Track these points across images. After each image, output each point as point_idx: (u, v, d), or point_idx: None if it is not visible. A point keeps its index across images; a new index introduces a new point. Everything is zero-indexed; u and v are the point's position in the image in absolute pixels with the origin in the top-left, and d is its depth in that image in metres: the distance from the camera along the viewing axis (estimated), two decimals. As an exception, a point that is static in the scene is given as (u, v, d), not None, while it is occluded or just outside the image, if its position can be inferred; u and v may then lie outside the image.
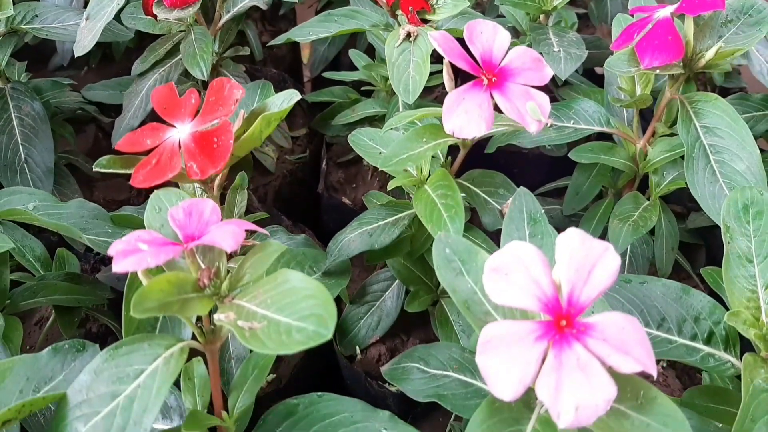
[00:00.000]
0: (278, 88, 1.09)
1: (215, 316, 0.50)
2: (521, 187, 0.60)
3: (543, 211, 0.59)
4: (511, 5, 0.98)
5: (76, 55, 0.75)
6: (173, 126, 0.63)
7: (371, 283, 0.79)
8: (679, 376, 0.85)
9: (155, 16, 0.76)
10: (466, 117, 0.58)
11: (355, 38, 1.14)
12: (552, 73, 0.62)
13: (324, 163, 0.98)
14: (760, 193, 0.59)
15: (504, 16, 1.03)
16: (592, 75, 1.15)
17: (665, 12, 0.71)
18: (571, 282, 0.48)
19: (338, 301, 0.77)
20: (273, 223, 0.84)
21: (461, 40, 0.89)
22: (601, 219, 0.82)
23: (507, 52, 0.62)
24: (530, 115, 0.58)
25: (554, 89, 1.02)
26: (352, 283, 0.78)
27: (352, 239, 0.68)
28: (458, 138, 0.59)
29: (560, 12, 1.02)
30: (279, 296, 0.49)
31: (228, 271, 0.55)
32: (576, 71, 0.98)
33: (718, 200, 0.66)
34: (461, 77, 0.63)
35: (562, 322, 0.47)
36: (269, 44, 0.86)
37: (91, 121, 0.99)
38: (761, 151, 0.92)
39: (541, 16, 0.99)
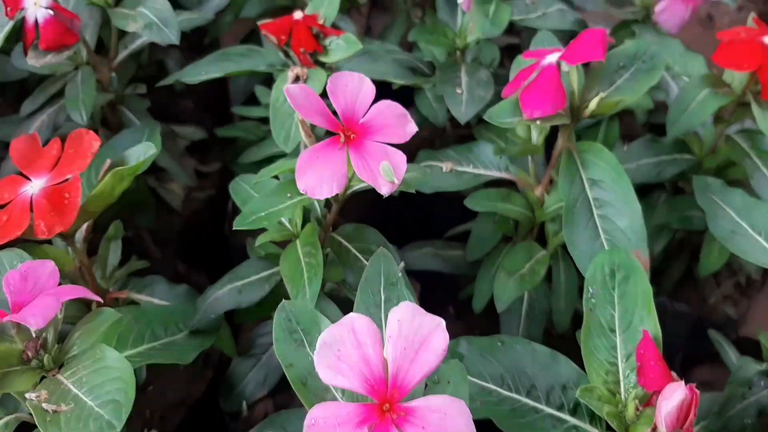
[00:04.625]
0: (190, 123, 1.07)
1: (26, 395, 0.48)
2: (380, 248, 0.57)
3: (401, 274, 0.56)
4: (424, 41, 0.96)
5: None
6: (30, 180, 0.61)
7: (258, 335, 0.76)
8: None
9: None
10: (318, 178, 0.55)
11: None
12: (414, 130, 0.59)
13: (230, 201, 0.96)
14: (628, 257, 0.57)
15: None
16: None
17: (550, 59, 0.69)
18: (397, 362, 0.46)
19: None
20: (166, 269, 0.81)
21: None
22: (500, 266, 0.79)
23: (370, 107, 0.60)
24: (383, 177, 0.55)
25: (473, 125, 1.00)
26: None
27: (219, 296, 0.65)
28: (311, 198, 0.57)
29: (481, 46, 1.00)
30: (94, 374, 0.47)
31: (58, 342, 0.53)
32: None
33: (596, 259, 0.64)
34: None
35: (385, 406, 0.45)
36: (159, 84, 0.83)
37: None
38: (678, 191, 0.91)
39: (457, 52, 0.97)
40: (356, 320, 0.46)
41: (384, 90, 0.84)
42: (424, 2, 1.27)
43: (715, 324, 0.89)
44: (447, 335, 0.46)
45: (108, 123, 0.90)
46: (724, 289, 0.92)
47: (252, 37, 1.17)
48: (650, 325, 0.55)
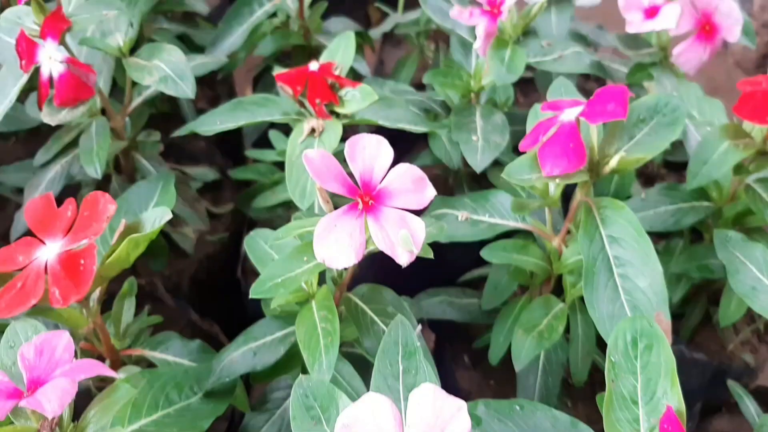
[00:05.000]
0: (203, 162, 1.07)
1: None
2: (398, 316, 0.57)
3: (419, 343, 0.56)
4: (438, 84, 0.96)
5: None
6: (44, 243, 0.61)
7: (272, 389, 0.75)
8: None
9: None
10: (336, 247, 0.55)
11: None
12: (433, 194, 0.59)
13: (244, 245, 0.95)
14: (650, 325, 0.56)
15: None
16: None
17: (569, 116, 0.68)
18: (419, 448, 0.45)
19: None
20: (179, 319, 0.81)
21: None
22: (517, 317, 0.79)
23: (388, 171, 0.59)
24: (401, 246, 0.55)
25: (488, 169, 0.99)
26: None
27: (234, 358, 0.65)
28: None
29: (495, 86, 1.00)
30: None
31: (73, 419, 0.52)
32: (511, 149, 0.95)
33: (617, 322, 0.63)
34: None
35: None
36: (174, 135, 0.83)
37: (6, 203, 0.97)
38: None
39: (472, 94, 0.97)
40: (376, 402, 0.46)
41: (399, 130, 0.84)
42: (438, 37, 1.27)
43: (733, 372, 0.87)
44: (468, 419, 0.45)
45: (121, 168, 0.90)
46: (742, 335, 0.90)
47: (266, 73, 1.17)
48: (674, 398, 0.54)
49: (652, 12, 0.94)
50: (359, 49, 1.22)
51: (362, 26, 1.25)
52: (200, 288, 0.93)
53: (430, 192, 0.59)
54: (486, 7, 0.89)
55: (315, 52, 1.11)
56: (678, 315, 0.91)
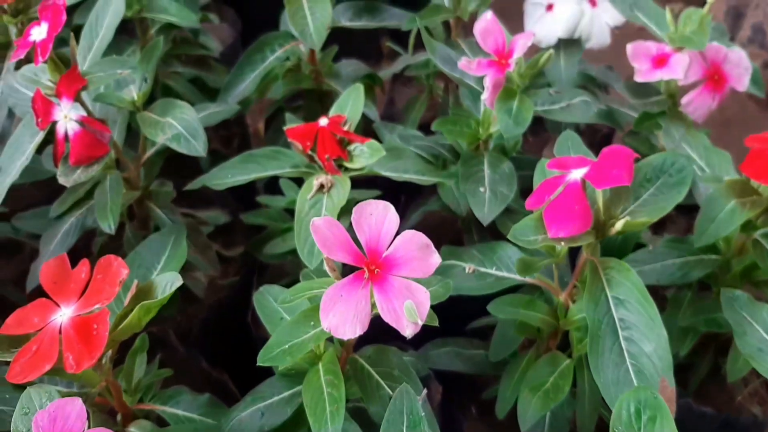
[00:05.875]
0: (215, 204, 1.08)
1: None
2: (403, 385, 0.57)
3: (423, 414, 0.56)
4: (446, 132, 0.96)
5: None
6: (59, 306, 0.62)
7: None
8: None
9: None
10: (342, 318, 0.55)
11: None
12: (438, 262, 0.59)
13: (255, 290, 0.96)
14: (654, 396, 0.57)
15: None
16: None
17: (575, 176, 0.68)
18: None
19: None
20: (189, 368, 0.82)
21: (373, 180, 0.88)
22: (524, 372, 0.79)
23: (394, 238, 0.60)
24: (407, 318, 0.55)
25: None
26: None
27: (242, 419, 0.65)
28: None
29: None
30: None
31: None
32: (518, 195, 0.96)
33: (622, 388, 0.63)
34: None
35: None
36: (186, 188, 0.84)
37: (22, 247, 0.99)
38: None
39: (480, 141, 0.98)
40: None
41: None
42: (447, 78, 1.28)
43: (741, 425, 0.87)
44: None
45: (135, 215, 0.92)
46: (751, 387, 0.90)
47: (278, 114, 1.18)
48: (677, 473, 0.54)
49: (660, 61, 0.95)
50: (369, 90, 1.24)
51: (374, 60, 1.26)
52: (211, 333, 0.94)
53: (436, 259, 0.59)
54: (494, 57, 0.90)
55: (326, 96, 1.13)
56: (685, 366, 0.91)
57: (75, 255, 0.83)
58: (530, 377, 0.73)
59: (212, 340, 0.93)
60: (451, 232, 1.10)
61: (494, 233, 0.96)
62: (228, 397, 0.71)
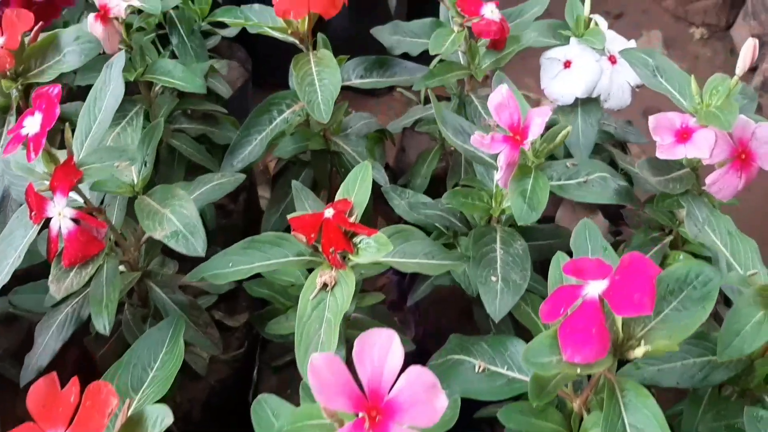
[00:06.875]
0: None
1: None
2: None
3: None
4: (458, 206, 0.93)
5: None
6: (46, 435, 0.60)
7: None
8: None
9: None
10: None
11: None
12: (445, 405, 0.56)
13: (256, 367, 0.94)
14: None
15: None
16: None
17: (593, 292, 0.64)
18: None
19: None
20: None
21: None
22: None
23: (399, 375, 0.56)
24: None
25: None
26: None
27: None
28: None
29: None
30: None
31: None
32: (533, 269, 0.92)
33: None
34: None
35: None
36: (182, 282, 0.81)
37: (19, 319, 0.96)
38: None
39: (492, 215, 0.94)
40: None
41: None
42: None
43: None
44: None
45: (134, 294, 0.89)
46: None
47: (285, 171, 1.15)
48: None
49: (684, 135, 0.90)
50: (379, 141, 1.20)
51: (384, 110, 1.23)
52: (212, 415, 0.91)
53: (442, 403, 0.56)
54: (508, 132, 0.86)
55: (334, 156, 1.09)
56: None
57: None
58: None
59: (213, 422, 0.90)
60: (461, 301, 1.07)
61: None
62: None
